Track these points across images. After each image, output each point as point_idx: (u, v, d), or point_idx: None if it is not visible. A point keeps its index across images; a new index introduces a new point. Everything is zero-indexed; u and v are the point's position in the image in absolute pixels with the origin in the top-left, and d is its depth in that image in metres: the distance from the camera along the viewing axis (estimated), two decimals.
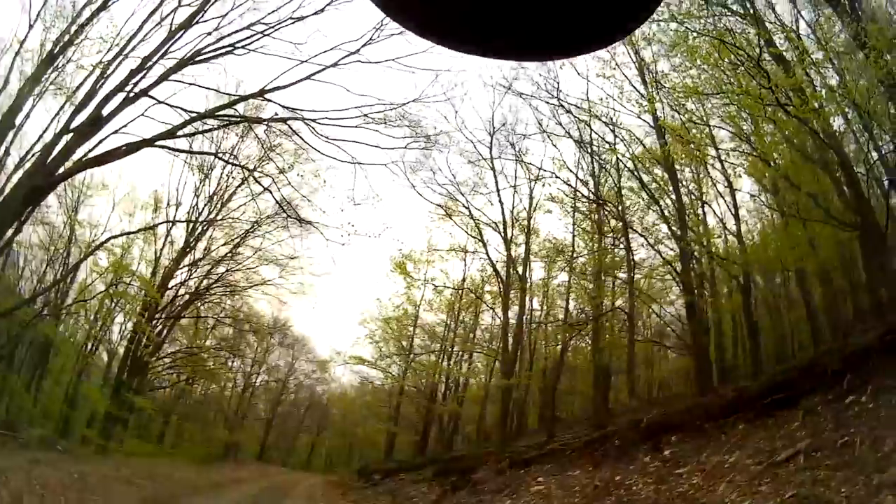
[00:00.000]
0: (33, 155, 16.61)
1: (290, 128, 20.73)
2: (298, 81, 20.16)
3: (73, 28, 17.38)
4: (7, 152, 17.49)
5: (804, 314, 19.73)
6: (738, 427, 11.87)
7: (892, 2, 14.05)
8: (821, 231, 15.60)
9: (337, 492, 25.27)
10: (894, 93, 11.43)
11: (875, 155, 15.23)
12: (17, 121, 16.67)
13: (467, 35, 1.24)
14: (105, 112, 16.31)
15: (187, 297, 32.17)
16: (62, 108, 17.79)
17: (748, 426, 11.63)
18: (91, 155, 16.76)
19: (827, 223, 14.43)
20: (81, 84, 17.90)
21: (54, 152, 15.32)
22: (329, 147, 20.83)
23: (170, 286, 30.20)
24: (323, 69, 20.29)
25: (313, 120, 19.92)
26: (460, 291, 35.24)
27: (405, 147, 22.28)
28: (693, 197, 23.65)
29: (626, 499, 11.84)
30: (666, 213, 22.72)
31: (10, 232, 16.68)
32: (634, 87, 21.81)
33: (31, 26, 17.75)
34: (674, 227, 22.08)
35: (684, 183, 23.16)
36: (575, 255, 27.78)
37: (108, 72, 17.41)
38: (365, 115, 20.43)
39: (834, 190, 15.16)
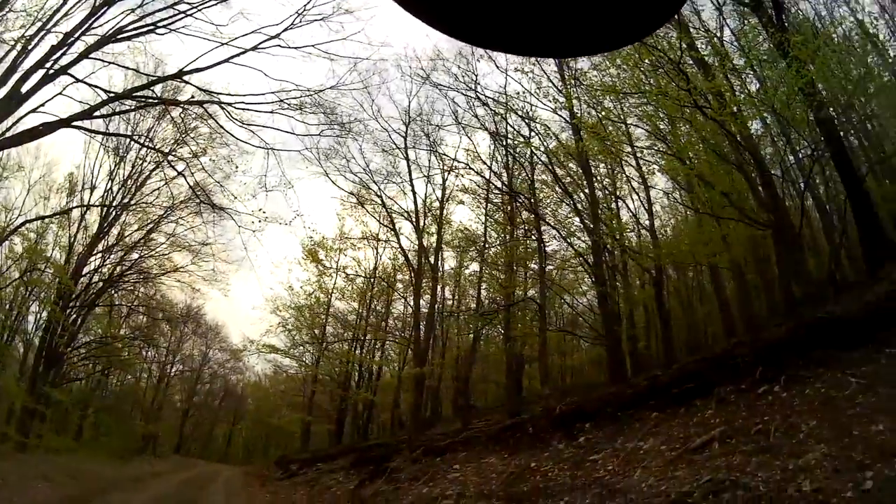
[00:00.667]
0: None
1: (206, 111, 20.40)
2: (217, 64, 19.80)
3: None
4: None
5: (716, 307, 20.51)
6: (652, 416, 12.16)
7: (819, 16, 14.66)
8: (734, 228, 16.18)
9: (255, 483, 24.80)
10: (813, 101, 11.89)
11: (792, 158, 15.92)
12: None
13: (497, 34, 1.22)
14: (24, 89, 15.60)
15: (101, 284, 30.99)
16: None
17: (661, 414, 11.94)
18: (8, 134, 15.95)
19: (741, 221, 14.98)
20: (2, 59, 16.93)
21: None
22: (244, 132, 20.33)
23: (83, 273, 28.96)
24: (243, 52, 20.00)
25: (230, 104, 19.58)
26: (372, 280, 35.12)
27: (320, 134, 22.03)
28: (607, 192, 24.18)
29: (542, 484, 11.97)
30: (579, 206, 23.18)
31: None
32: (553, 83, 22.07)
33: None
34: (587, 221, 22.53)
35: (599, 178, 23.65)
36: (487, 246, 28.07)
37: (30, 47, 16.58)
38: (281, 101, 20.19)
39: (749, 190, 15.73)
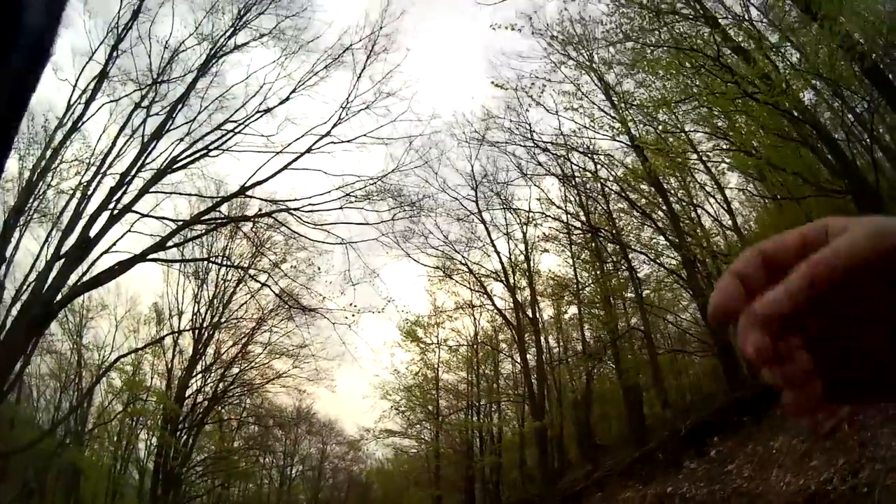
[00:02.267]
0: (28, 285, 16.56)
1: (277, 220, 20.81)
2: (276, 173, 20.31)
3: (48, 153, 17.58)
4: (2, 286, 17.56)
5: None
6: (777, 413, 11.74)
7: None
8: (815, 204, 15.65)
9: None
10: (855, 54, 11.58)
11: (851, 117, 15.40)
12: (7, 253, 16.73)
13: None
14: (92, 233, 16.33)
15: (206, 403, 31.80)
16: (49, 234, 17.89)
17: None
18: (86, 278, 16.77)
19: (819, 195, 14.51)
20: (65, 208, 18.02)
21: (49, 280, 15.25)
22: (318, 233, 20.89)
23: (187, 395, 29.91)
24: (299, 156, 20.48)
25: (297, 209, 20.02)
26: (475, 346, 35.02)
27: (392, 218, 22.23)
28: (684, 203, 23.73)
29: None
30: (660, 224, 22.79)
31: (17, 366, 16.57)
32: (605, 112, 21.97)
33: None
34: (671, 237, 22.11)
35: (672, 192, 23.25)
36: (580, 287, 27.74)
37: (90, 192, 17.49)
38: (347, 195, 20.59)
39: (818, 162, 15.25)
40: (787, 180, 15.57)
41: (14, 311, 16.34)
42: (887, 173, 16.98)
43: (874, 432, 7.73)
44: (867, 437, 7.80)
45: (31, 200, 17.70)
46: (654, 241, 24.60)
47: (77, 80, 18.27)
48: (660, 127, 19.20)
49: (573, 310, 30.03)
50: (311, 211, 20.15)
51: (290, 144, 20.92)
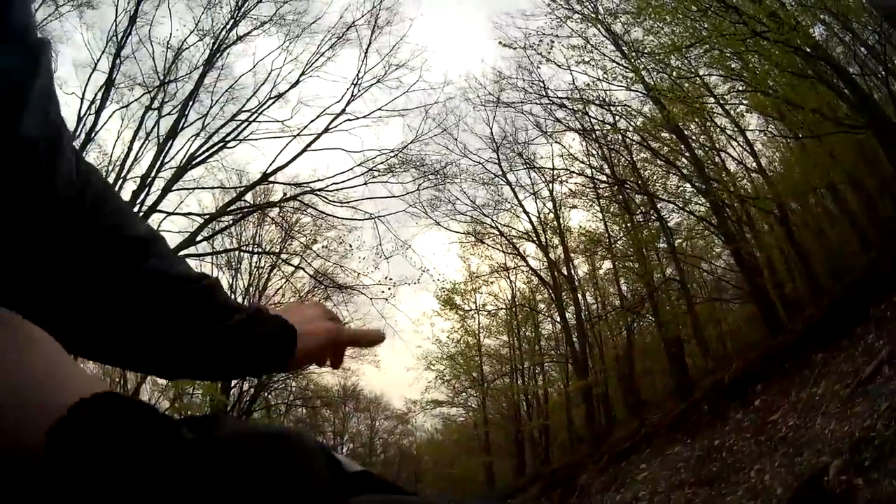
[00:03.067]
0: None
1: (303, 202, 21.02)
2: (296, 157, 20.52)
3: None
4: None
5: (847, 225, 19.41)
6: (818, 357, 11.67)
7: None
8: (837, 140, 15.40)
9: None
10: None
11: (864, 50, 15.06)
12: None
13: None
14: None
15: (252, 390, 32.24)
16: None
17: (826, 353, 11.44)
18: None
19: (839, 132, 14.26)
20: None
21: None
22: (345, 210, 21.03)
23: (232, 384, 30.46)
24: (316, 137, 20.64)
25: (321, 189, 20.20)
26: (514, 309, 35.09)
27: (418, 189, 22.30)
28: (706, 148, 23.43)
29: (730, 459, 11.71)
30: (685, 172, 22.62)
31: None
32: (617, 63, 21.64)
33: None
34: (697, 184, 21.92)
35: (694, 138, 22.96)
36: (612, 241, 27.62)
37: None
38: (369, 170, 20.68)
39: (836, 97, 14.96)
40: (807, 118, 15.28)
41: None
42: None
43: None
44: None
45: None
46: (681, 188, 24.43)
47: (84, 92, 18.40)
48: (674, 73, 18.94)
49: (607, 265, 29.97)
50: (335, 190, 20.37)
51: (306, 127, 21.03)
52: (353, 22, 21.30)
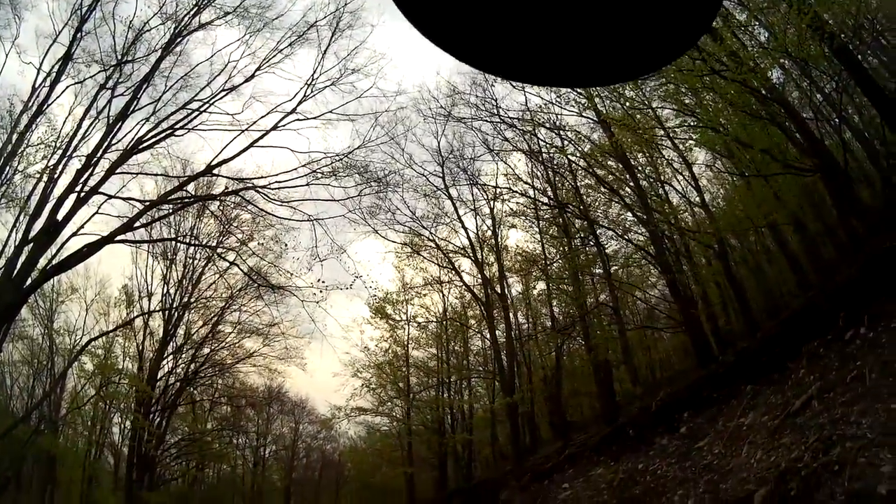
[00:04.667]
0: None
1: (244, 198, 20.63)
2: (243, 151, 20.20)
3: (14, 137, 17.22)
4: None
5: (786, 265, 19.93)
6: (747, 389, 11.88)
7: None
8: (783, 182, 15.77)
9: None
10: (824, 33, 11.61)
11: (820, 96, 15.49)
12: None
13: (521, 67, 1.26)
14: (60, 216, 16.05)
15: (178, 384, 31.56)
16: (17, 219, 17.40)
17: (756, 385, 11.64)
18: (55, 262, 16.49)
19: (787, 173, 14.61)
20: (32, 192, 17.66)
21: (17, 265, 14.99)
22: (285, 210, 20.67)
23: (159, 377, 29.66)
24: (264, 134, 20.33)
25: (264, 186, 19.85)
26: (444, 322, 35.04)
27: (359, 194, 22.04)
28: (651, 180, 23.81)
29: (653, 483, 11.79)
30: (628, 200, 22.91)
31: None
32: (570, 88, 21.92)
33: None
34: (639, 213, 22.21)
35: (640, 168, 23.31)
36: (548, 263, 27.80)
37: (56, 175, 17.17)
38: (313, 172, 20.42)
39: (786, 140, 15.34)
40: (756, 158, 15.65)
41: None
42: (856, 154, 17.22)
43: (845, 409, 7.81)
44: (838, 414, 7.88)
45: None
46: (622, 217, 24.79)
47: (41, 63, 18.02)
48: (626, 103, 19.26)
49: (542, 286, 30.21)
50: (277, 188, 20.06)
51: (255, 122, 20.81)
52: (316, 21, 21.05)
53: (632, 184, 22.43)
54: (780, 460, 8.25)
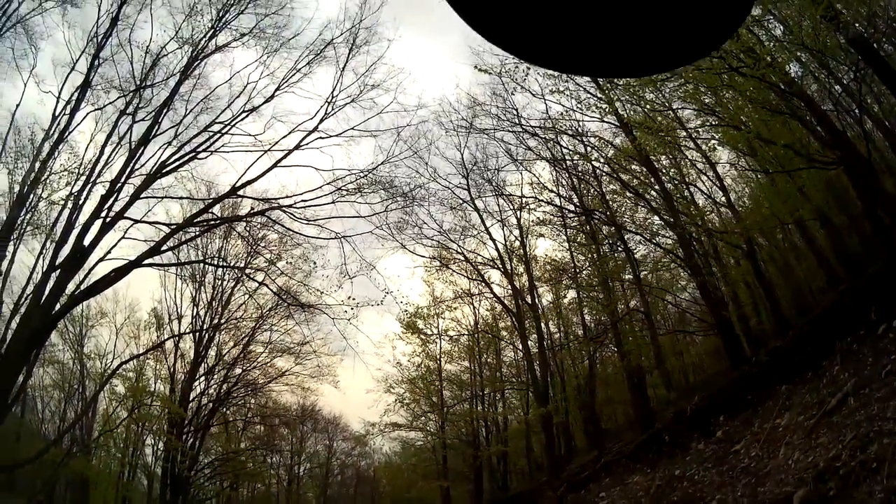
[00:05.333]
0: (27, 297, 16.57)
1: (270, 218, 20.70)
2: (266, 171, 20.19)
3: (37, 165, 17.52)
4: (0, 300, 17.52)
5: (814, 261, 19.65)
6: (782, 389, 11.69)
7: None
8: (808, 176, 15.57)
9: None
10: (839, 24, 11.48)
11: (839, 88, 15.28)
12: (2, 267, 16.67)
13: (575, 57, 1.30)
14: (86, 242, 16.20)
15: (210, 405, 31.71)
16: (44, 246, 17.83)
17: (790, 385, 11.46)
18: (83, 287, 16.73)
19: (811, 168, 14.41)
20: (57, 219, 17.93)
21: (46, 291, 15.20)
22: (312, 228, 20.73)
23: (191, 398, 29.88)
24: (287, 153, 20.36)
25: (290, 206, 19.91)
26: (476, 335, 35.00)
27: (385, 210, 22.01)
28: (676, 182, 23.63)
29: (691, 489, 11.63)
30: (654, 204, 22.73)
31: (20, 379, 16.46)
32: (591, 94, 21.75)
33: None
34: (665, 216, 22.02)
35: (664, 171, 23.14)
36: (577, 270, 27.69)
37: (80, 201, 17.38)
38: (338, 189, 20.47)
39: (808, 134, 15.15)
40: (779, 154, 15.46)
41: (14, 325, 16.35)
42: (878, 143, 16.92)
43: (882, 405, 7.67)
44: (874, 411, 7.73)
45: (23, 213, 17.66)
46: (649, 221, 24.61)
47: (60, 91, 18.31)
48: (647, 106, 19.10)
49: (572, 294, 30.08)
50: (303, 207, 20.00)
51: (278, 142, 20.85)
52: (332, 39, 21.12)
53: (657, 187, 22.24)
54: (817, 460, 8.10)
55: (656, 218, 23.43)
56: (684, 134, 20.23)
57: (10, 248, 17.16)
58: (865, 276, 12.08)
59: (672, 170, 23.78)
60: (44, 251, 17.58)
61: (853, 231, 18.50)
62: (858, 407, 8.24)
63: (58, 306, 15.72)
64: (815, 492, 7.49)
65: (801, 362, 11.47)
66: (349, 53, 21.08)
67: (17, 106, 24.87)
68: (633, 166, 23.20)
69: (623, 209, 25.61)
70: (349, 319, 21.02)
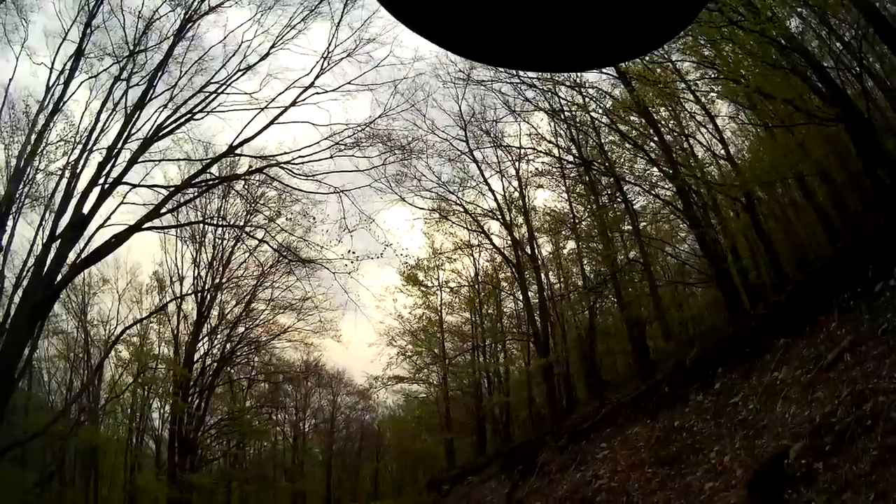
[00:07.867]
0: (28, 270, 16.63)
1: (268, 175, 20.72)
2: (264, 129, 20.24)
3: (33, 137, 17.48)
4: (1, 275, 17.64)
5: (814, 216, 19.73)
6: (780, 343, 11.83)
7: None
8: (807, 132, 15.55)
9: None
10: None
11: (839, 45, 15.18)
12: (3, 242, 16.71)
13: (502, 52, 1.23)
14: (85, 210, 16.22)
15: (215, 365, 32.14)
16: (43, 217, 17.82)
17: (788, 339, 11.60)
18: (84, 255, 16.75)
19: (810, 123, 14.40)
20: (55, 189, 17.96)
21: (47, 262, 15.28)
22: (310, 183, 20.72)
23: (195, 359, 30.19)
24: (284, 110, 20.28)
25: (287, 162, 19.88)
26: (477, 286, 35.21)
27: (384, 163, 21.99)
28: (675, 134, 23.56)
29: (690, 440, 11.89)
30: (653, 155, 22.72)
31: (26, 352, 16.59)
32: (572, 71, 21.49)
33: None
34: (664, 168, 22.02)
35: (663, 123, 23.06)
36: (577, 221, 27.77)
37: (78, 170, 17.40)
38: (336, 144, 20.40)
39: (809, 90, 15.09)
40: (778, 108, 15.43)
41: (17, 299, 16.45)
42: (879, 102, 16.87)
43: (877, 363, 7.83)
44: (869, 368, 7.91)
45: (20, 187, 17.62)
46: (648, 172, 24.60)
47: (53, 62, 18.24)
48: (646, 57, 18.97)
49: (571, 245, 30.29)
50: (301, 163, 19.99)
51: (274, 99, 20.81)
52: None
53: (656, 139, 22.23)
54: (813, 415, 8.30)
55: (655, 169, 23.44)
56: (683, 86, 20.13)
57: (10, 222, 17.15)
58: (864, 233, 12.17)
59: (671, 122, 23.72)
60: (43, 223, 17.57)
61: (853, 188, 18.54)
62: (854, 363, 8.41)
63: (59, 277, 15.83)
64: (811, 446, 7.70)
65: (799, 317, 11.61)
66: (344, 8, 20.82)
67: (11, 80, 24.80)
68: (632, 117, 23.12)
69: (622, 160, 25.58)
70: (350, 273, 21.22)
